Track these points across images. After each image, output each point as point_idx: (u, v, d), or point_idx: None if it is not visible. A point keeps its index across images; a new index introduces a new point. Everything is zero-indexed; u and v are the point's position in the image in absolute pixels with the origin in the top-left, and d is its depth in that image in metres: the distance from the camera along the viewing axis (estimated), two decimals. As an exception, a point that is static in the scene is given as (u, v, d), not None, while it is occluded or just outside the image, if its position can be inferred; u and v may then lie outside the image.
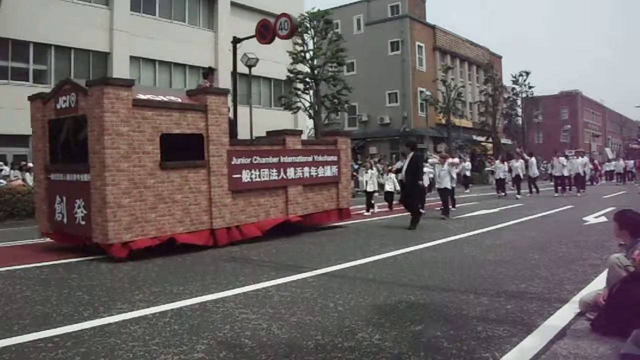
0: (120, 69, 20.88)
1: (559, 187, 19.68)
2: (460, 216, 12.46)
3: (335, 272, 5.99)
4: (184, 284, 5.43)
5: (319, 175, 10.11)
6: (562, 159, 19.67)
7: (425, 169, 13.55)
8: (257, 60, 20.04)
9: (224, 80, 24.05)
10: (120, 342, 3.61)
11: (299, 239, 9.11)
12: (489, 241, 8.26)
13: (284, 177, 9.28)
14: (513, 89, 45.19)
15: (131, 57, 21.37)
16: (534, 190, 19.70)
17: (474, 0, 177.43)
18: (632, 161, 33.13)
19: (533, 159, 20.26)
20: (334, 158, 10.58)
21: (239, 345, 3.52)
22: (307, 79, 24.42)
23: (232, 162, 8.33)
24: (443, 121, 36.44)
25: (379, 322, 3.99)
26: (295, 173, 9.49)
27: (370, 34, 39.17)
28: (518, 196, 17.96)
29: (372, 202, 14.07)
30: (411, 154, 10.60)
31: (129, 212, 7.03)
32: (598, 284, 4.71)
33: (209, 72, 10.00)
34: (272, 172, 9.03)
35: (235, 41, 18.37)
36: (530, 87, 44.63)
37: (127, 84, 7.24)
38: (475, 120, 43.95)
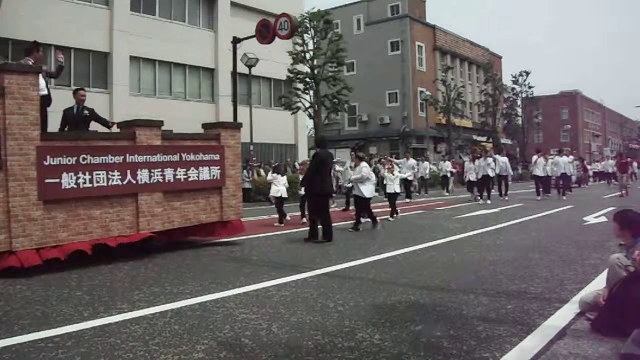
0: (120, 69, 20.92)
1: (540, 189, 17.90)
2: (460, 216, 12.46)
3: (335, 272, 5.99)
4: (184, 284, 5.43)
5: (191, 179, 7.92)
6: (541, 159, 18.08)
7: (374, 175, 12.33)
8: (257, 60, 20.09)
9: (224, 80, 24.11)
10: (120, 342, 3.61)
11: (299, 239, 9.10)
12: (489, 241, 8.26)
13: (133, 181, 7.15)
14: (513, 89, 45.24)
15: (131, 57, 21.39)
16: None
17: (474, 0, 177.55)
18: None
19: (505, 159, 18.79)
20: (216, 157, 8.34)
21: (239, 345, 3.52)
22: (307, 79, 24.42)
23: (46, 163, 6.33)
24: (443, 121, 36.45)
25: (379, 322, 3.99)
26: (150, 176, 7.35)
27: (370, 34, 39.19)
28: (489, 201, 16.33)
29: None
30: (314, 152, 8.79)
31: None
32: (598, 284, 4.71)
33: (32, 48, 7.59)
34: (113, 175, 6.95)
35: (235, 41, 18.41)
36: (530, 87, 44.70)
37: None
38: (475, 120, 43.96)
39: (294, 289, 5.15)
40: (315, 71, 24.32)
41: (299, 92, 24.46)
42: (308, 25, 24.32)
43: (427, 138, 38.06)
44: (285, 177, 12.25)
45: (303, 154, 28.31)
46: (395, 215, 12.02)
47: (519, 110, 46.15)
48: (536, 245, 7.69)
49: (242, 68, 19.56)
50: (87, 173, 6.69)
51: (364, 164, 10.80)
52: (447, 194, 21.61)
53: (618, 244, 4.37)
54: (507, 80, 46.64)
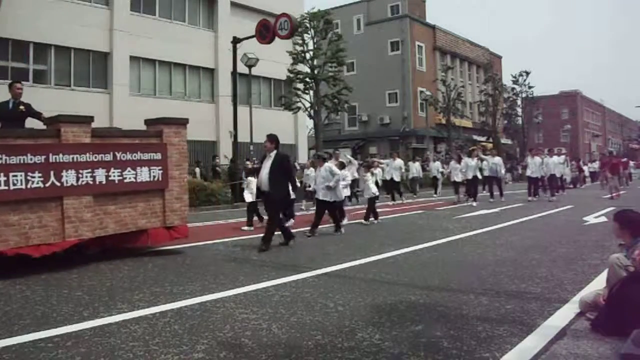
0: (120, 69, 20.92)
1: (532, 190, 17.11)
2: (460, 216, 12.46)
3: (335, 272, 5.99)
4: (184, 284, 5.43)
5: (127, 181, 7.09)
6: (537, 158, 17.15)
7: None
8: (257, 60, 20.06)
9: (224, 80, 24.11)
10: (120, 342, 3.61)
11: (299, 239, 9.09)
12: (489, 241, 8.26)
13: (57, 183, 6.41)
14: (513, 89, 45.26)
15: (131, 57, 21.38)
16: (496, 194, 17.22)
17: (474, 0, 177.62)
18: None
19: (497, 159, 17.75)
20: (157, 156, 7.48)
21: (239, 345, 3.52)
22: (307, 79, 24.42)
23: None
24: (443, 121, 36.46)
25: (379, 322, 3.99)
26: (78, 178, 6.58)
27: (370, 34, 39.21)
28: (474, 203, 15.35)
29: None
30: (275, 152, 8.10)
31: None
32: (598, 284, 4.71)
33: None
34: (34, 177, 6.22)
35: (235, 41, 18.41)
36: (530, 87, 44.73)
37: None
38: (475, 120, 43.98)
39: (294, 289, 5.15)
40: (315, 71, 24.32)
41: (299, 92, 24.46)
42: (308, 25, 24.32)
43: (427, 138, 38.07)
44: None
45: (303, 154, 28.29)
46: (371, 219, 11.10)
47: (519, 110, 46.17)
48: (536, 245, 7.69)
49: (242, 68, 19.54)
50: (1, 174, 5.97)
51: (328, 165, 9.94)
52: (435, 195, 20.80)
53: (618, 244, 4.37)
54: (507, 80, 46.72)
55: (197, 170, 19.89)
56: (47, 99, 17.58)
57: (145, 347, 3.50)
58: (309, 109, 24.64)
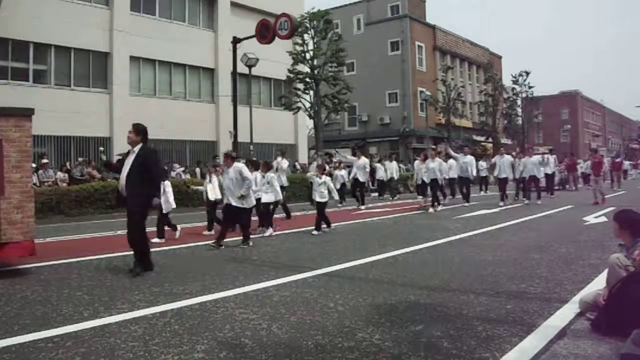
0: (120, 69, 20.92)
1: (503, 194, 15.82)
2: (460, 216, 12.45)
3: (335, 272, 5.99)
4: (184, 284, 5.43)
5: None
6: (507, 157, 15.84)
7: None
8: (257, 60, 20.07)
9: (224, 80, 24.11)
10: (120, 342, 3.61)
11: (299, 239, 9.10)
12: (489, 241, 8.26)
13: None
14: (513, 89, 45.16)
15: (131, 57, 21.38)
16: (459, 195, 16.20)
17: (474, 0, 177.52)
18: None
19: (469, 158, 16.33)
20: None
21: (239, 345, 3.52)
22: (307, 79, 24.42)
23: None
24: (443, 121, 36.45)
25: (379, 322, 3.99)
26: None
27: (370, 34, 39.20)
28: (439, 207, 14.37)
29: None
30: (139, 146, 6.23)
31: None
32: (598, 284, 4.70)
33: None
34: None
35: (235, 41, 18.42)
36: (530, 87, 44.62)
37: None
38: (475, 120, 43.97)
39: (294, 289, 5.15)
40: (316, 71, 24.31)
41: (299, 92, 24.46)
42: (308, 25, 24.32)
43: (427, 138, 38.06)
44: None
45: (303, 154, 28.30)
46: (324, 227, 9.88)
47: (519, 110, 46.11)
48: (536, 245, 7.69)
49: (242, 68, 19.55)
50: None
51: (238, 165, 8.54)
52: (420, 197, 19.18)
53: (618, 244, 4.37)
54: (507, 80, 46.62)
55: (198, 170, 19.88)
56: (47, 99, 17.63)
57: (145, 347, 3.50)
58: (309, 109, 24.64)
